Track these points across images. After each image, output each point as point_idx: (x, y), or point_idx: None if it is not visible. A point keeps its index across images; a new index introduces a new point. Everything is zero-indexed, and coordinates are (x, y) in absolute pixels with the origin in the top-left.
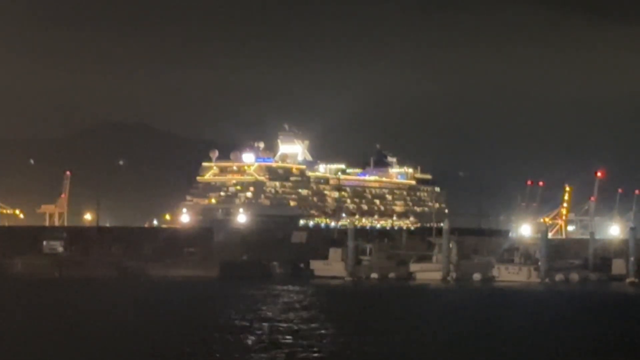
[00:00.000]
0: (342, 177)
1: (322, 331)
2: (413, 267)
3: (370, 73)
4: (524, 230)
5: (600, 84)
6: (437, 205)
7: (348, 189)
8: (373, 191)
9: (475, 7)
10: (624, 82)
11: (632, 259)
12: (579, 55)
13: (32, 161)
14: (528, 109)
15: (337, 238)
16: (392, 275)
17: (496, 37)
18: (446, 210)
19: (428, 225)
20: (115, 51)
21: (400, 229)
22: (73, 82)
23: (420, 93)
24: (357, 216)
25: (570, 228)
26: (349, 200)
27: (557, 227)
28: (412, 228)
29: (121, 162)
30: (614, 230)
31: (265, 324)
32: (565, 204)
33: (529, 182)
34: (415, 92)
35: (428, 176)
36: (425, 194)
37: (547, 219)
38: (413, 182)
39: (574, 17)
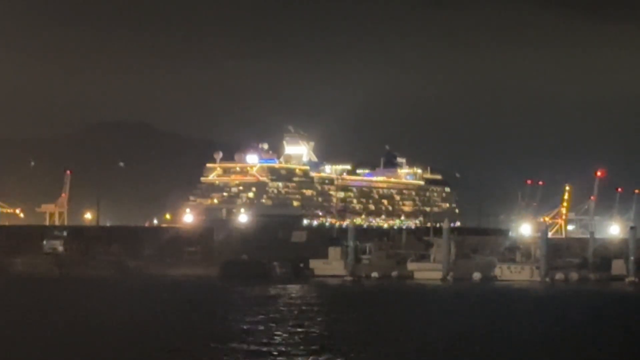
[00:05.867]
0: (348, 177)
1: (322, 331)
2: (411, 266)
3: (375, 73)
4: (524, 229)
5: (601, 84)
6: (446, 205)
7: (354, 189)
8: (380, 191)
9: (475, 7)
10: (624, 82)
11: (632, 258)
12: (579, 55)
13: (32, 162)
14: (528, 109)
15: (336, 237)
16: (394, 274)
17: (497, 38)
18: (456, 210)
19: (437, 224)
20: (115, 51)
21: (400, 228)
22: (73, 81)
23: (422, 93)
24: (363, 216)
25: (570, 227)
26: (355, 201)
27: (557, 226)
28: (417, 227)
29: (121, 164)
30: (614, 230)
31: (264, 324)
32: (565, 204)
33: (529, 181)
34: (418, 92)
35: (438, 176)
36: (435, 194)
37: (547, 218)
38: (422, 183)
39: (574, 17)
